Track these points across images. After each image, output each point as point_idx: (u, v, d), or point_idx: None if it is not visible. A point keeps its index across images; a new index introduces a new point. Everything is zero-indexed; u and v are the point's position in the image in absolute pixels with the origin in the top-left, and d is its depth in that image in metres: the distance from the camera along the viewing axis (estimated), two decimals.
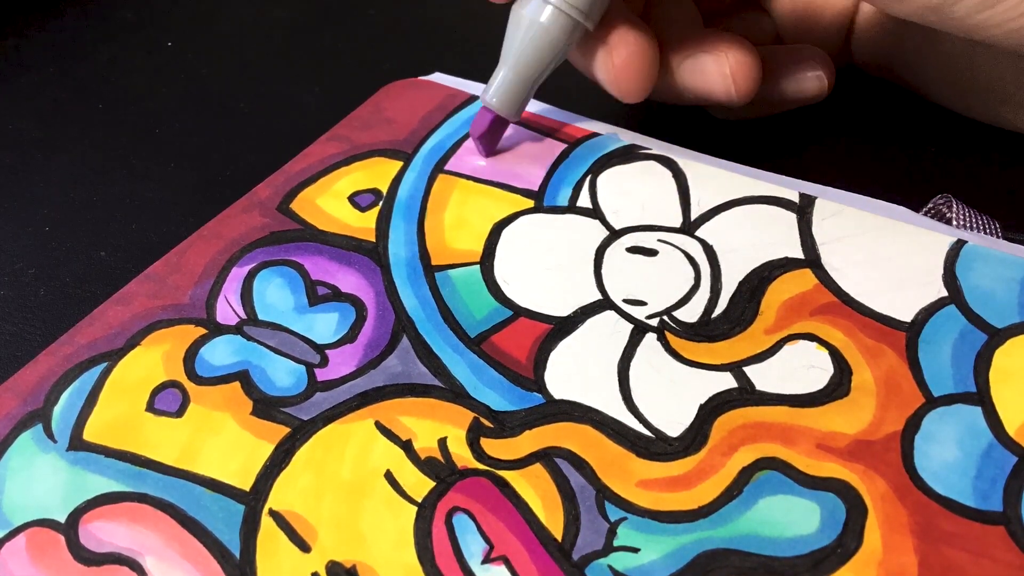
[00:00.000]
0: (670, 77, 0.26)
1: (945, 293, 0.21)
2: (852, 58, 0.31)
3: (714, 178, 0.25)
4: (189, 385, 0.21)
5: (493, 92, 0.25)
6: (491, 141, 0.26)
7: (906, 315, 0.21)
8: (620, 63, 0.25)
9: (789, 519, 0.18)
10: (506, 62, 0.25)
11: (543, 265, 0.23)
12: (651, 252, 0.23)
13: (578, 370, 0.21)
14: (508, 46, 0.25)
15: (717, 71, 0.26)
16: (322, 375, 0.21)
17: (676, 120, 0.30)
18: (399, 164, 0.26)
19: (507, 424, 0.20)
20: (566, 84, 0.33)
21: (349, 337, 0.22)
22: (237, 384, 0.21)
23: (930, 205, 0.24)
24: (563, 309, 0.22)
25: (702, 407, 0.20)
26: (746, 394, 0.20)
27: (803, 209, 0.23)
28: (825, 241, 0.23)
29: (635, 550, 0.18)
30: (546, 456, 0.19)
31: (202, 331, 0.22)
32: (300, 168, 0.26)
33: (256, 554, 0.18)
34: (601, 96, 0.27)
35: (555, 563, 0.18)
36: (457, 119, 0.27)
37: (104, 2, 0.38)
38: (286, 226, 0.25)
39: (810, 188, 0.24)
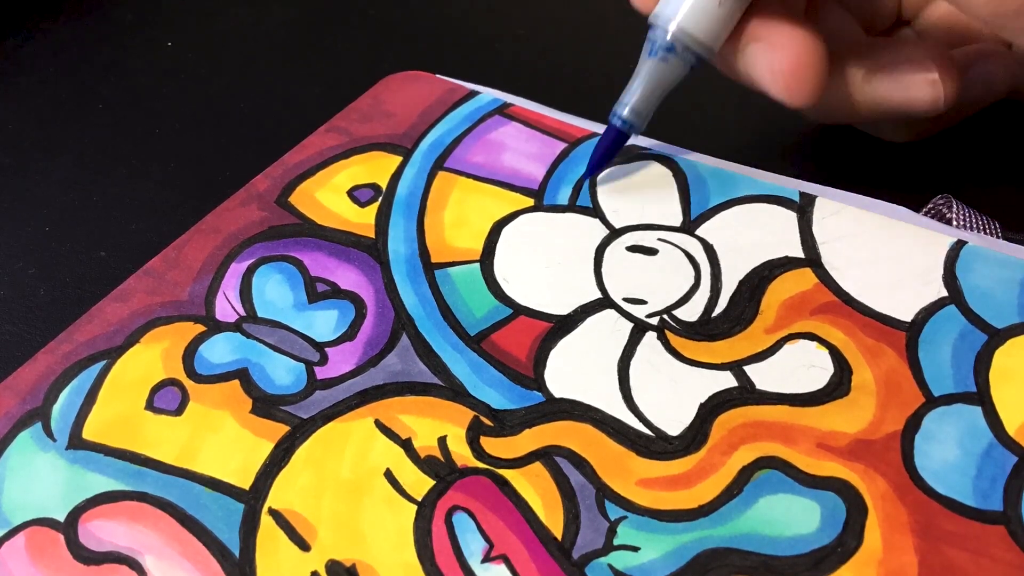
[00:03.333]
0: (854, 89, 0.25)
1: (945, 293, 0.21)
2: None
3: (714, 177, 0.24)
4: (188, 383, 0.21)
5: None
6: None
7: (906, 315, 0.21)
8: (790, 63, 0.23)
9: (789, 518, 0.18)
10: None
11: (543, 263, 0.23)
12: (651, 251, 0.23)
13: (578, 369, 0.21)
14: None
15: (923, 78, 0.24)
16: (321, 373, 0.21)
17: (675, 121, 0.30)
18: (398, 159, 0.26)
19: (507, 423, 0.20)
20: (567, 84, 0.33)
21: (349, 335, 0.22)
22: (236, 382, 0.21)
23: (930, 205, 0.24)
24: (563, 307, 0.22)
25: (702, 406, 0.20)
26: (746, 393, 0.20)
27: (803, 208, 0.23)
28: (825, 240, 0.23)
29: (635, 549, 0.18)
30: (546, 455, 0.19)
31: (201, 328, 0.22)
32: (298, 160, 0.26)
33: (256, 553, 0.18)
34: (601, 96, 0.27)
35: (555, 562, 0.18)
36: (457, 115, 0.27)
37: (104, 2, 0.38)
38: (285, 220, 0.25)
39: (810, 187, 0.24)
